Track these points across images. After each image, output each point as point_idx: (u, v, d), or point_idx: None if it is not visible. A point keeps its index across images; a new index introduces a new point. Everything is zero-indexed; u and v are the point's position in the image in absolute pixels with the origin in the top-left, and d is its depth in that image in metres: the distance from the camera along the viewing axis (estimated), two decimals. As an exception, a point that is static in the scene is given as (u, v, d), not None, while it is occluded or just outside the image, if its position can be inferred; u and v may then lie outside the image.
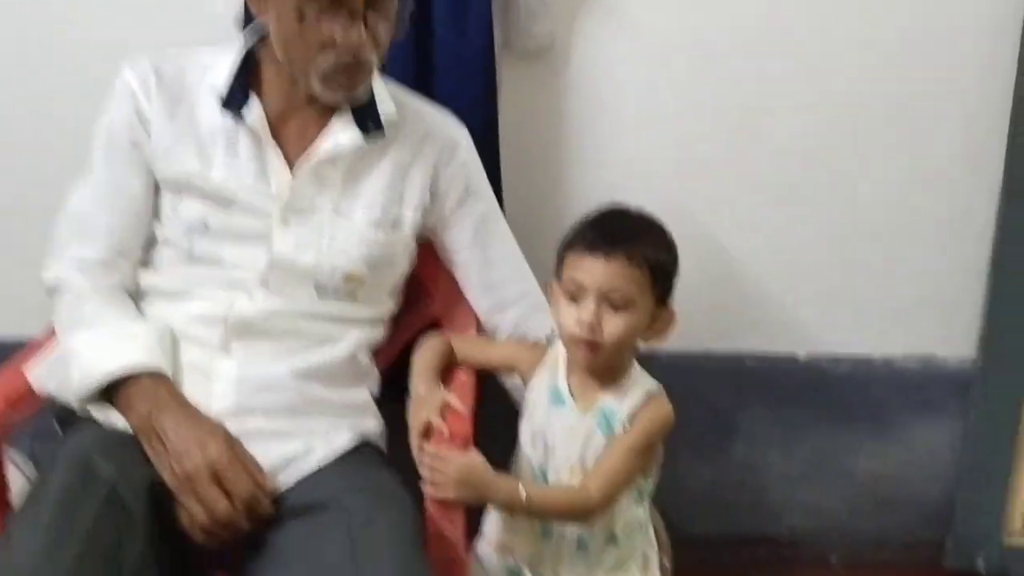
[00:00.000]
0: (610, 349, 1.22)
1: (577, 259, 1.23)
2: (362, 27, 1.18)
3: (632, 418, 1.25)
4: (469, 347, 1.39)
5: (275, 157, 1.26)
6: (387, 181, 1.32)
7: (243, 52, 1.27)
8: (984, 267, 1.81)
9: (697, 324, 1.83)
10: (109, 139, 1.27)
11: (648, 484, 1.34)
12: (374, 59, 1.23)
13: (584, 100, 1.76)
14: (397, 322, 1.43)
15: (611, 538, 1.30)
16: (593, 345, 1.21)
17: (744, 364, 1.89)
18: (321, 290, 1.28)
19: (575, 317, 1.22)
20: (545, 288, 1.37)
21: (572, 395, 1.28)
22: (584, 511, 1.24)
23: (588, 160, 1.78)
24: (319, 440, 1.23)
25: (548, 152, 1.78)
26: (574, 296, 1.22)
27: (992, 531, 1.87)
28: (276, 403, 1.22)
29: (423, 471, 1.20)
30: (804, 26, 1.73)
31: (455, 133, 1.39)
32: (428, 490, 1.20)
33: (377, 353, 1.39)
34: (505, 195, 1.64)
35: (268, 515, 1.14)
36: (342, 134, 1.27)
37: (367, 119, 1.29)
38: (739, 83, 1.75)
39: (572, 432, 1.27)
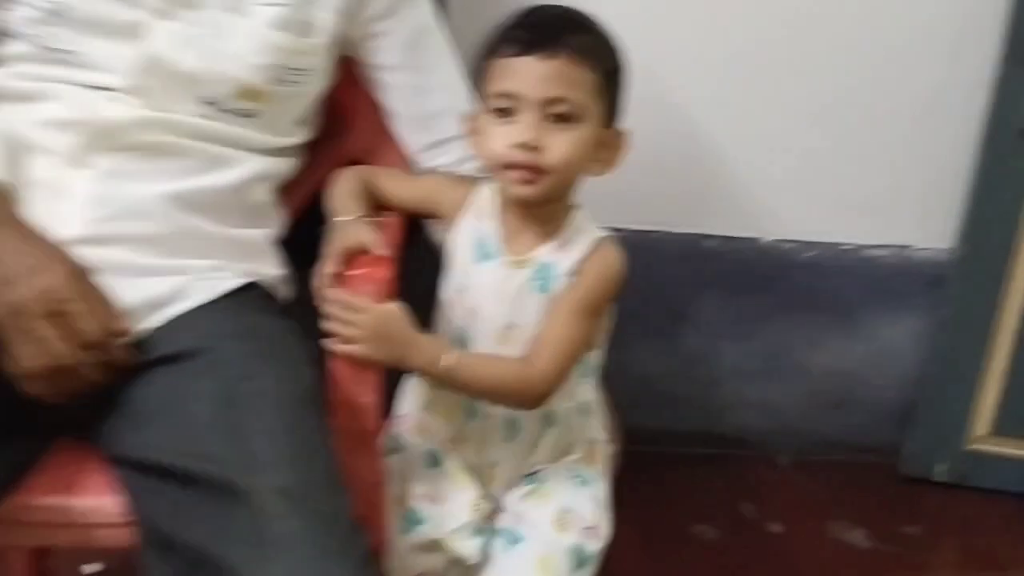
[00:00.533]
0: (555, 176, 1.01)
1: (507, 65, 1.00)
2: None
3: (576, 272, 1.06)
4: (392, 182, 1.17)
5: None
6: None
7: None
8: (968, 151, 1.69)
9: (652, 202, 1.72)
10: None
11: (595, 356, 1.15)
12: None
13: None
14: (309, 157, 1.21)
15: (549, 419, 1.12)
16: (534, 170, 1.00)
17: (700, 245, 1.76)
18: (209, 104, 1.05)
19: (508, 137, 1.00)
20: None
21: (502, 246, 1.08)
22: (526, 389, 1.04)
23: None
24: (196, 282, 1.02)
25: None
26: (505, 112, 1.01)
27: (953, 436, 1.78)
28: (143, 232, 1.00)
29: (330, 321, 1.00)
30: None
31: None
32: (336, 345, 1.00)
33: (284, 192, 1.18)
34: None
35: (122, 363, 0.94)
36: None
37: None
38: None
39: (500, 290, 1.07)
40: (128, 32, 1.03)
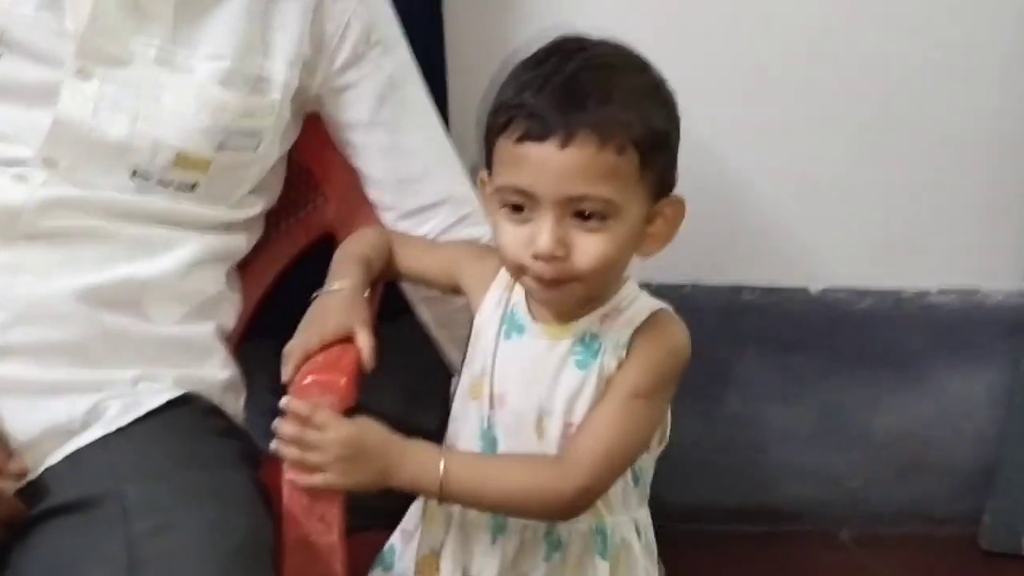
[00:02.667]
0: (588, 282, 0.82)
1: (515, 154, 0.80)
2: None
3: (628, 347, 0.85)
4: (413, 249, 1.00)
5: None
6: (243, 18, 0.95)
7: None
8: None
9: (687, 253, 1.49)
10: None
11: (648, 457, 0.93)
12: None
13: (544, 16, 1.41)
14: (273, 231, 1.05)
15: (554, 543, 0.90)
16: (558, 280, 0.81)
17: (739, 299, 1.59)
18: (142, 177, 0.90)
19: (523, 240, 0.81)
20: (476, 183, 0.98)
21: (534, 318, 0.88)
22: (553, 494, 0.83)
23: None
24: (112, 400, 0.86)
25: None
26: (517, 207, 0.81)
27: None
28: (48, 339, 0.84)
29: (282, 446, 0.82)
30: None
31: None
32: (294, 475, 0.83)
33: (244, 274, 1.02)
34: (453, 130, 1.27)
35: (13, 514, 0.77)
36: None
37: None
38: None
39: (533, 368, 0.87)
40: (42, 95, 0.89)
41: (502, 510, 0.86)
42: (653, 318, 0.88)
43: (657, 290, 1.51)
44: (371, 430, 0.83)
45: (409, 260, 0.99)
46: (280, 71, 0.96)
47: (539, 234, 0.79)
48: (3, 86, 0.88)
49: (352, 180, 1.07)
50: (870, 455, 1.65)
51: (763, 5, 1.45)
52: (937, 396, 1.62)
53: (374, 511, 0.91)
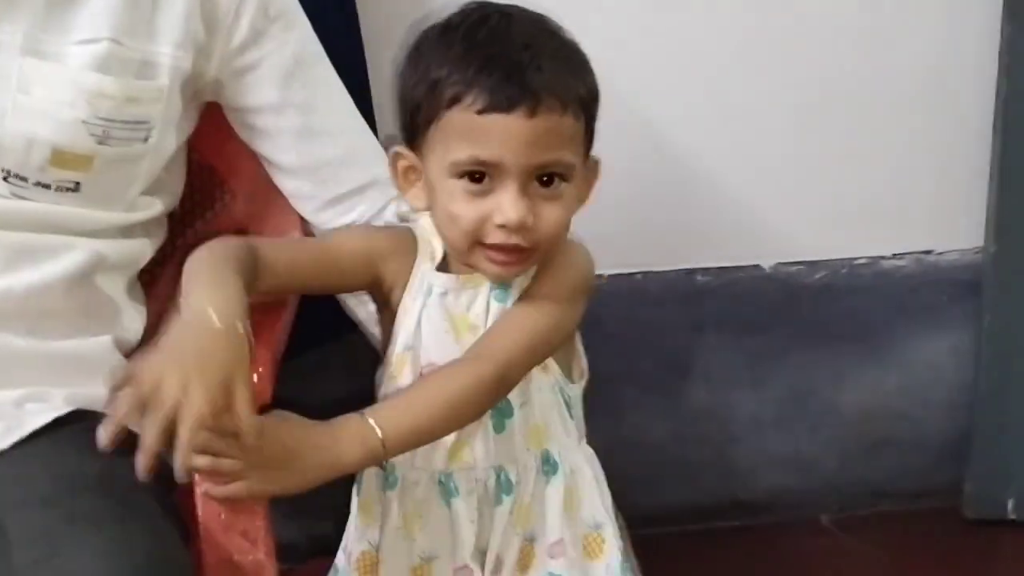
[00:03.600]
0: (545, 250, 0.84)
1: (476, 122, 0.79)
2: None
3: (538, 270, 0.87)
4: (285, 251, 0.88)
5: None
6: (146, 10, 0.87)
7: None
8: (984, 134, 1.48)
9: (629, 240, 1.51)
10: None
11: (575, 387, 0.93)
12: None
13: None
14: (180, 236, 0.96)
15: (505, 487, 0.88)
16: (522, 251, 0.82)
17: (696, 282, 1.54)
18: (16, 177, 0.81)
19: (484, 212, 0.80)
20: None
21: (454, 272, 0.88)
22: (477, 383, 0.81)
23: None
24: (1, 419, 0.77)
25: None
26: (476, 179, 0.80)
27: (1022, 463, 1.55)
28: None
29: (194, 458, 0.70)
30: None
31: None
32: (211, 489, 0.74)
33: (149, 280, 0.93)
34: (379, 122, 1.23)
35: None
36: None
37: None
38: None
39: (460, 320, 0.87)
40: None
41: (447, 427, 0.83)
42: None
43: (609, 280, 1.50)
44: (290, 424, 0.76)
45: (283, 266, 0.85)
46: (167, 54, 0.88)
47: (506, 204, 0.79)
48: None
49: (260, 172, 0.99)
50: (841, 434, 1.61)
51: None
52: (902, 366, 1.58)
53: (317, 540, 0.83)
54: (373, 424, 0.77)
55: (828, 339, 1.56)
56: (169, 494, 0.78)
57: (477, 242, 0.81)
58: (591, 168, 0.88)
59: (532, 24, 0.84)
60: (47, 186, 0.83)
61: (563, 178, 0.81)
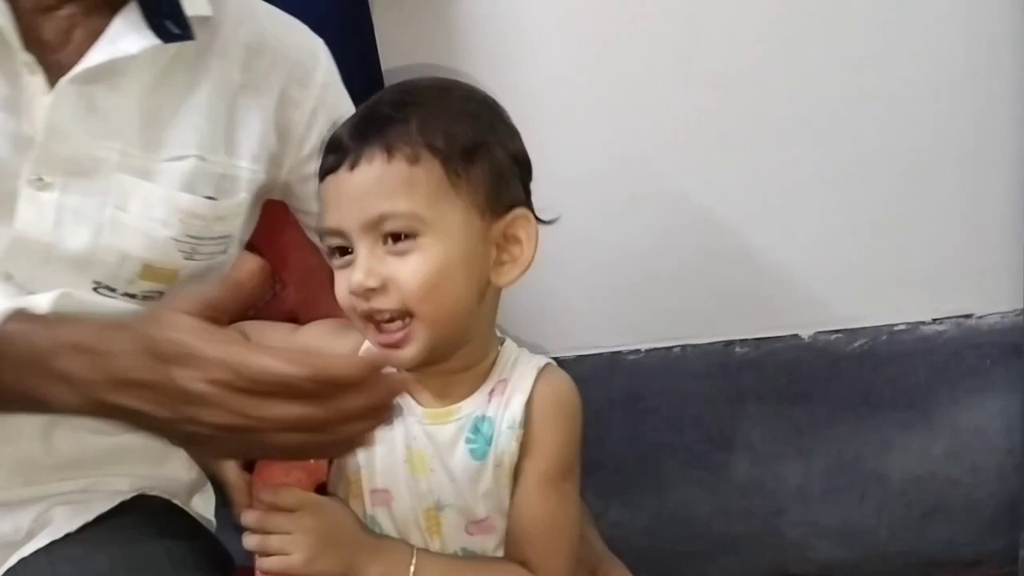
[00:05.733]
0: (425, 319, 0.74)
1: (323, 190, 0.77)
2: None
3: (525, 424, 0.77)
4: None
5: (30, 73, 0.81)
6: (206, 116, 0.88)
7: None
8: (1022, 191, 1.48)
9: (670, 315, 1.52)
10: None
11: None
12: None
13: (489, 37, 1.39)
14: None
15: None
16: (397, 321, 0.74)
17: (735, 354, 1.53)
18: (104, 288, 0.83)
19: (347, 283, 0.75)
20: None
21: (417, 398, 0.79)
22: None
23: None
24: (66, 504, 0.78)
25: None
26: (341, 252, 0.77)
27: None
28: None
29: (249, 538, 0.73)
30: None
31: (307, 41, 0.96)
32: (264, 562, 0.73)
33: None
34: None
35: None
36: (123, 38, 0.82)
37: (164, 17, 0.84)
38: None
39: (422, 458, 0.78)
40: None
41: None
42: (541, 383, 0.79)
43: (646, 354, 1.50)
44: (343, 515, 0.76)
45: None
46: (245, 168, 0.89)
47: (354, 264, 0.74)
48: None
49: (310, 261, 0.99)
50: (890, 503, 1.58)
51: (739, 54, 1.43)
52: (949, 432, 1.56)
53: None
54: (412, 571, 0.76)
55: (872, 407, 1.54)
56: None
57: (361, 320, 0.75)
58: (518, 224, 0.78)
59: (410, 84, 0.80)
60: (133, 296, 0.84)
61: (410, 233, 0.73)
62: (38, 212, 0.80)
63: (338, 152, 0.75)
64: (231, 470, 0.84)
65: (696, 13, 1.40)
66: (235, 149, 0.89)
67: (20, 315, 0.70)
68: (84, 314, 0.72)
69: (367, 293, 0.73)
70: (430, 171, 0.74)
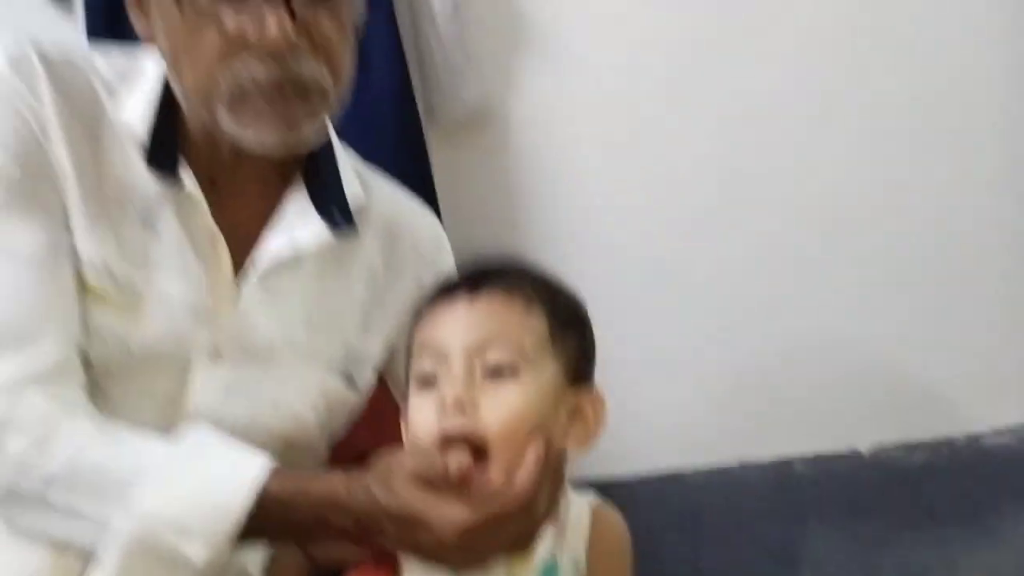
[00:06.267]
0: (503, 450, 0.76)
1: (428, 320, 0.81)
2: (285, 15, 0.77)
3: (587, 563, 0.82)
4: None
5: (223, 255, 0.86)
6: (355, 301, 0.95)
7: (162, 81, 0.86)
8: None
9: (727, 431, 1.55)
10: (10, 176, 0.82)
11: None
12: (321, 76, 0.81)
13: (535, 168, 1.48)
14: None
15: None
16: (472, 446, 0.76)
17: (794, 471, 1.54)
18: None
19: (433, 406, 0.77)
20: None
21: None
22: None
23: (553, 239, 1.49)
24: None
25: (503, 234, 1.49)
26: (429, 380, 0.80)
27: None
28: None
29: None
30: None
31: (434, 229, 1.03)
32: None
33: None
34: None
35: None
36: (301, 227, 0.88)
37: (329, 201, 0.90)
38: (723, 126, 1.48)
39: None
40: (172, 373, 0.86)
41: None
42: (597, 525, 0.84)
43: (706, 475, 1.52)
44: None
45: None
46: (379, 350, 0.96)
47: (448, 384, 0.77)
48: (137, 360, 0.85)
49: (383, 400, 1.04)
50: None
51: (845, 201, 1.50)
52: (1016, 546, 1.53)
53: None
54: None
55: (935, 522, 1.53)
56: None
57: (434, 446, 0.78)
58: (590, 399, 0.83)
59: (517, 261, 0.88)
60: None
61: (514, 369, 0.77)
62: (210, 384, 0.86)
63: (456, 289, 0.81)
64: None
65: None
66: (373, 332, 0.95)
67: (276, 473, 0.78)
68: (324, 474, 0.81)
69: (458, 407, 0.76)
70: (539, 322, 0.80)
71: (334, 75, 0.82)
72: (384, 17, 1.34)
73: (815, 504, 1.53)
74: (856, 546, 1.53)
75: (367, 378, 0.97)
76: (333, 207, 0.90)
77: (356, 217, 0.92)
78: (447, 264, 1.01)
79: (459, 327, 0.79)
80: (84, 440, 0.78)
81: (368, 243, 0.95)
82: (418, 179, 1.36)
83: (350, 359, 0.95)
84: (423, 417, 0.78)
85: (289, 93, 0.79)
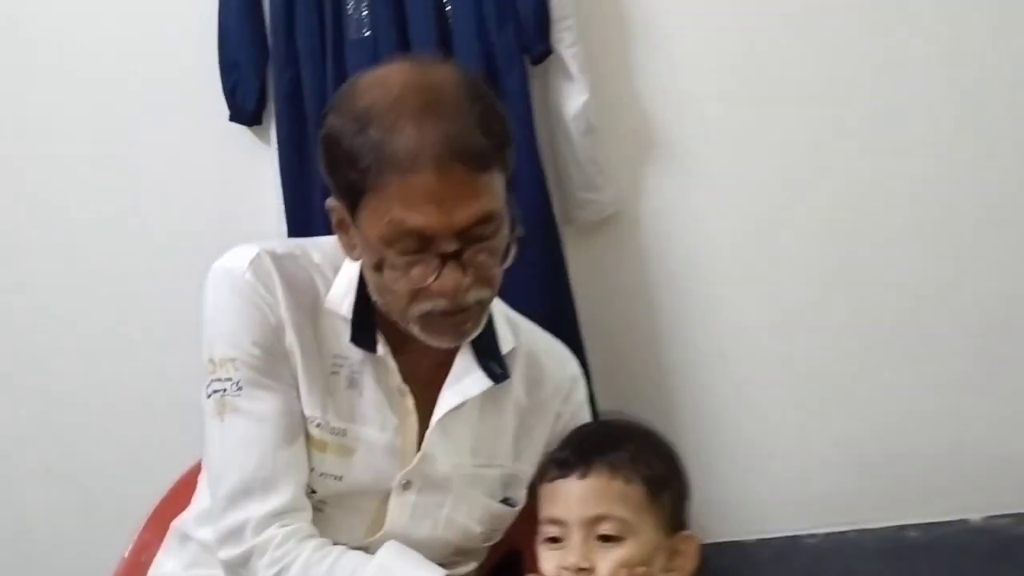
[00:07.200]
0: None
1: (550, 490, 1.03)
2: (458, 270, 0.97)
3: None
4: None
5: (409, 405, 1.08)
6: (512, 435, 1.14)
7: (359, 274, 1.07)
8: None
9: (844, 499, 1.67)
10: (256, 358, 1.05)
11: None
12: (485, 295, 1.02)
13: (662, 262, 1.65)
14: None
15: None
16: None
17: (907, 537, 1.66)
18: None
19: (558, 561, 0.99)
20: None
21: None
22: None
23: (680, 326, 1.65)
24: None
25: (634, 324, 1.65)
26: (555, 539, 1.01)
27: None
28: None
29: None
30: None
31: (572, 368, 1.22)
32: None
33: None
34: (594, 379, 1.47)
35: None
36: (468, 379, 1.09)
37: (488, 356, 1.10)
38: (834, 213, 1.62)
39: None
40: (374, 500, 1.08)
41: None
42: None
43: (825, 538, 1.63)
44: None
45: None
46: (528, 474, 1.14)
47: (568, 550, 0.98)
48: (343, 493, 1.06)
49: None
50: None
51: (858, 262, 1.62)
52: None
53: None
54: None
55: None
56: None
57: None
58: (687, 541, 1.02)
59: (619, 425, 1.07)
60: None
61: (620, 535, 0.98)
62: (402, 507, 1.08)
63: (568, 466, 1.02)
64: None
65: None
66: (523, 459, 1.14)
67: None
68: None
69: (575, 571, 0.97)
70: (638, 491, 1.00)
71: (492, 289, 1.02)
72: (525, 136, 1.50)
73: (927, 570, 1.63)
74: (967, 611, 1.63)
75: (521, 496, 1.15)
76: (492, 362, 1.10)
77: (507, 362, 1.12)
78: (581, 397, 1.19)
79: (572, 503, 1.00)
80: (311, 560, 1.01)
81: (516, 382, 1.14)
82: (556, 277, 1.55)
83: (506, 482, 1.14)
84: (552, 568, 1.00)
85: (462, 317, 1.01)
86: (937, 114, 1.58)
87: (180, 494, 1.30)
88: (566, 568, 0.98)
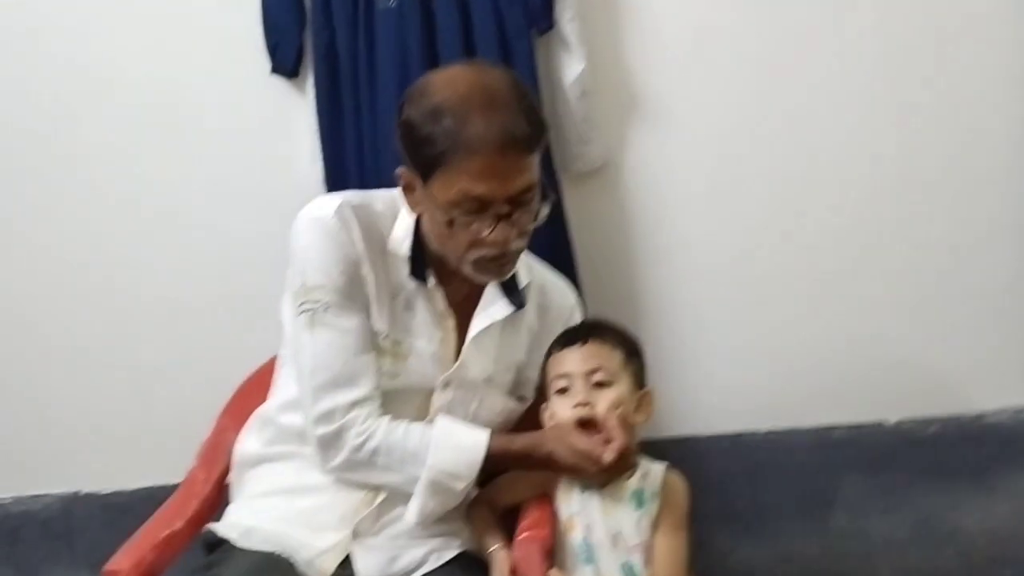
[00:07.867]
0: (606, 424, 1.33)
1: (558, 357, 1.39)
2: (508, 227, 1.25)
3: (659, 495, 1.36)
4: (506, 493, 1.45)
5: (451, 325, 1.37)
6: (526, 348, 1.45)
7: (414, 220, 1.36)
8: None
9: (782, 403, 1.92)
10: (341, 285, 1.32)
11: None
12: (522, 245, 1.31)
13: (643, 205, 1.87)
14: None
15: None
16: (592, 424, 1.33)
17: (833, 435, 1.92)
18: None
19: (568, 403, 1.35)
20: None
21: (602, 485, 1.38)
22: None
23: (655, 257, 1.89)
24: (433, 553, 1.39)
25: (618, 255, 1.88)
26: (563, 390, 1.36)
27: None
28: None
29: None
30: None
31: (571, 298, 1.53)
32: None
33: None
34: (586, 297, 1.72)
35: None
36: (494, 306, 1.39)
37: (510, 290, 1.40)
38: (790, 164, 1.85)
39: (610, 510, 1.36)
40: (421, 396, 1.39)
41: None
42: (667, 478, 1.38)
43: (764, 436, 1.90)
44: None
45: (508, 499, 1.44)
46: (536, 376, 1.47)
47: (576, 393, 1.35)
48: (397, 392, 1.35)
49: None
50: (965, 548, 1.89)
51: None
52: (1008, 497, 1.88)
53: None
54: None
55: (944, 478, 1.87)
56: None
57: (577, 426, 1.36)
58: (647, 395, 1.40)
59: (601, 320, 1.47)
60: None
61: (609, 382, 1.36)
62: (441, 402, 1.39)
63: (571, 339, 1.39)
64: (501, 560, 1.35)
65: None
66: (531, 366, 1.46)
67: (494, 436, 1.33)
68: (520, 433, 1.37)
69: (584, 406, 1.33)
70: (619, 354, 1.39)
71: (527, 240, 1.33)
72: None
73: (850, 462, 1.91)
74: (879, 493, 1.91)
75: (530, 393, 1.48)
76: (512, 293, 1.41)
77: (524, 294, 1.42)
78: (578, 320, 1.51)
79: (578, 361, 1.37)
80: (389, 429, 1.33)
81: (529, 309, 1.45)
82: (556, 216, 1.80)
83: (520, 382, 1.46)
84: (563, 410, 1.36)
85: (505, 260, 1.32)
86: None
87: (253, 387, 1.61)
88: (577, 405, 1.34)
